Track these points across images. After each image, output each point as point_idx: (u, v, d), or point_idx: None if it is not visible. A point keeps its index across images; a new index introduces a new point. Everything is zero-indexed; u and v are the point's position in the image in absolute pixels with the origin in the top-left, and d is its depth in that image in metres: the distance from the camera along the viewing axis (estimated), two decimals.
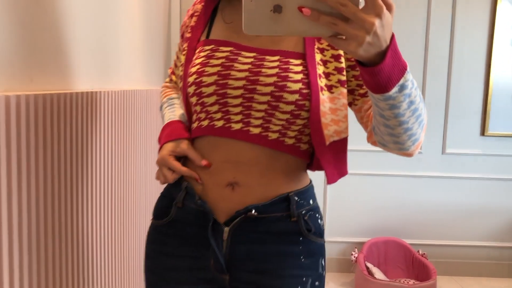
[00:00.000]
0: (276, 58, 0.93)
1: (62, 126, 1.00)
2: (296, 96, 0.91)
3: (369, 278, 2.79)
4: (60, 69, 1.07)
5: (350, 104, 1.01)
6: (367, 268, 2.94)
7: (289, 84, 0.91)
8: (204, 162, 0.96)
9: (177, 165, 0.99)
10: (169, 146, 1.01)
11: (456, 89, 3.11)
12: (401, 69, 0.73)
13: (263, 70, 0.92)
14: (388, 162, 3.16)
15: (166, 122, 1.09)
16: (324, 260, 1.01)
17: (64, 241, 1.03)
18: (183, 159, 1.02)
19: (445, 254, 3.25)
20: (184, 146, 0.99)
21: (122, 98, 1.48)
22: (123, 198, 1.52)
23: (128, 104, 1.56)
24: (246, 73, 0.93)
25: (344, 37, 0.67)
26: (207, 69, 0.95)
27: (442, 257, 3.25)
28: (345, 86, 0.95)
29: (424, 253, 3.01)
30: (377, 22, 0.65)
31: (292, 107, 0.92)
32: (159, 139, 1.07)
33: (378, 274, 2.92)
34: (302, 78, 0.92)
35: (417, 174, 3.18)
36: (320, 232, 1.00)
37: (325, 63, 0.95)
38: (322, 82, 0.93)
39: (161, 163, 1.01)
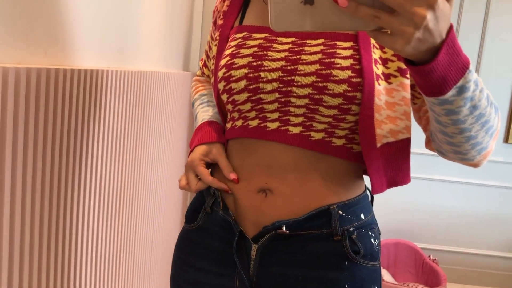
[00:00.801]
0: (320, 41, 0.78)
1: (74, 102, 0.96)
2: (344, 87, 0.76)
3: None
4: (76, 44, 1.03)
5: None
6: None
7: (335, 72, 0.76)
8: (232, 176, 0.84)
9: (205, 173, 0.86)
10: (201, 149, 0.89)
11: None
12: (461, 67, 0.61)
13: (303, 57, 0.78)
14: None
15: (199, 123, 0.96)
16: (379, 287, 0.83)
17: (68, 227, 1.00)
18: (214, 165, 0.91)
19: (457, 261, 3.19)
20: (215, 151, 0.87)
21: (138, 79, 1.44)
22: (134, 182, 1.48)
23: (144, 86, 1.53)
24: (282, 63, 0.79)
25: (389, 31, 0.57)
26: (236, 61, 0.82)
27: (454, 264, 3.19)
28: (407, 76, 0.78)
29: (435, 259, 2.95)
30: (429, 15, 0.54)
31: (339, 100, 0.76)
32: (191, 143, 0.94)
33: (387, 276, 2.87)
34: (352, 64, 0.76)
35: (434, 178, 3.11)
36: (372, 254, 0.82)
37: (382, 46, 0.79)
38: (378, 69, 0.77)
39: (190, 166, 0.88)
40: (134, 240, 1.56)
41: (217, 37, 0.92)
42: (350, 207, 0.81)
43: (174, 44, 2.26)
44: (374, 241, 0.83)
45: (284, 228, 0.78)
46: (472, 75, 0.63)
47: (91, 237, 1.13)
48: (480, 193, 3.12)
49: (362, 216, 0.83)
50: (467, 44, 2.97)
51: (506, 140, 3.06)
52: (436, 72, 0.60)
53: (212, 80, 0.93)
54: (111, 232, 1.29)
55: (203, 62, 1.10)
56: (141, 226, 1.65)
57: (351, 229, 0.80)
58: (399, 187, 3.08)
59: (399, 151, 0.81)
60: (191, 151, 0.91)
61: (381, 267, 2.94)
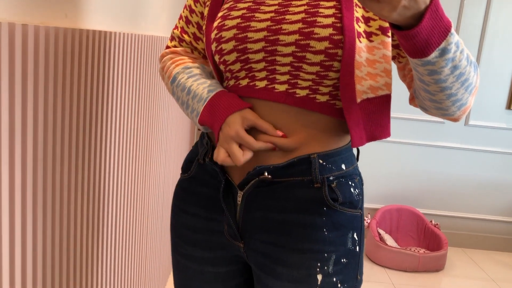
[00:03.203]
0: (304, 2, 0.81)
1: (96, 61, 0.97)
2: (326, 44, 0.77)
3: (380, 245, 2.80)
4: (93, 9, 1.03)
5: (393, 58, 0.89)
6: (379, 234, 2.94)
7: (316, 30, 0.78)
8: (280, 133, 0.82)
9: (254, 140, 0.81)
10: (236, 119, 0.82)
11: (486, 59, 3.02)
12: (443, 30, 0.64)
13: (287, 17, 0.80)
14: (408, 130, 3.11)
15: (209, 96, 0.87)
16: (358, 233, 0.87)
17: (80, 186, 1.02)
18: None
19: (458, 226, 3.24)
20: (251, 116, 0.82)
21: (150, 43, 1.45)
22: (146, 141, 1.50)
23: (156, 50, 1.53)
24: (268, 23, 0.81)
25: None
26: (226, 22, 0.84)
27: (455, 229, 3.25)
28: (388, 34, 0.81)
29: (437, 224, 3.00)
30: None
31: (321, 57, 0.78)
32: (210, 117, 0.85)
33: (390, 241, 2.93)
34: (333, 22, 0.78)
35: (437, 144, 3.14)
36: (352, 202, 0.85)
37: None
38: (360, 27, 0.79)
39: (232, 138, 0.81)
40: (149, 192, 1.59)
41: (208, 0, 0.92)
42: (331, 157, 0.84)
43: (179, 10, 2.24)
44: (354, 190, 0.86)
45: (266, 173, 0.82)
46: (454, 37, 0.66)
47: (103, 193, 1.16)
48: (482, 159, 3.15)
49: (343, 166, 0.86)
50: (473, 9, 2.95)
51: (508, 106, 3.07)
52: (420, 35, 0.64)
53: (201, 46, 0.96)
54: (124, 183, 1.31)
55: (179, 30, 0.99)
56: (154, 178, 1.67)
57: (331, 178, 0.84)
58: (404, 155, 3.10)
59: (379, 106, 0.83)
60: (222, 122, 0.83)
61: (385, 232, 3.00)
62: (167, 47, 1.01)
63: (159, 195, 1.77)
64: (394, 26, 0.66)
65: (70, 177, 0.89)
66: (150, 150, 1.54)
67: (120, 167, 1.20)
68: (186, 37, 0.99)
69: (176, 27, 1.00)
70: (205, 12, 0.93)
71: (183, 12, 0.99)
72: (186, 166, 0.96)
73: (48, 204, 0.81)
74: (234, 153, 0.80)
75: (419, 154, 3.16)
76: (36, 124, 0.74)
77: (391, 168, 3.18)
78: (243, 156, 0.80)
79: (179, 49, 0.99)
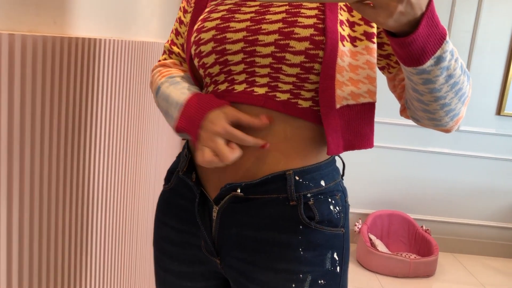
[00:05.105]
0: (286, 2, 0.77)
1: (85, 69, 0.96)
2: (306, 44, 0.74)
3: (371, 250, 2.80)
4: (82, 15, 1.02)
5: (383, 69, 0.88)
6: (370, 240, 2.94)
7: (297, 29, 0.75)
8: (265, 119, 0.76)
9: (244, 134, 0.75)
10: (220, 114, 0.76)
11: (476, 65, 3.03)
12: (439, 38, 0.63)
13: (267, 17, 0.77)
14: (399, 136, 3.12)
15: (184, 99, 0.83)
16: (340, 253, 0.82)
17: (68, 193, 1.01)
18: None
19: (448, 231, 3.25)
20: (233, 111, 0.76)
21: (140, 49, 1.43)
22: (136, 149, 1.49)
23: (146, 56, 1.52)
24: (247, 23, 0.77)
25: (371, 4, 0.59)
26: (206, 24, 0.81)
27: (446, 234, 3.26)
28: (373, 40, 0.78)
29: (427, 229, 3.01)
30: None
31: (301, 58, 0.75)
32: (186, 120, 0.80)
33: (381, 246, 2.93)
34: (315, 23, 0.75)
35: (428, 150, 3.15)
36: (331, 220, 0.81)
37: (351, 10, 0.78)
38: (344, 30, 0.77)
39: (222, 135, 0.74)
40: (138, 200, 1.58)
41: (193, 4, 0.90)
42: (308, 173, 0.80)
43: (171, 16, 2.24)
44: (334, 208, 0.82)
45: (239, 190, 0.79)
46: (449, 45, 0.65)
47: (92, 202, 1.14)
48: (472, 165, 3.17)
49: (323, 183, 0.82)
50: (463, 15, 2.97)
51: (498, 112, 3.09)
52: (416, 43, 0.62)
53: (185, 46, 0.92)
54: (113, 193, 1.30)
55: (169, 42, 0.98)
56: (142, 191, 1.66)
57: (308, 195, 0.80)
58: (395, 160, 3.09)
59: (360, 114, 0.80)
60: (201, 120, 0.77)
61: (376, 238, 2.99)
62: (158, 61, 0.99)
63: (148, 204, 1.75)
64: (389, 34, 0.65)
65: (58, 186, 0.88)
66: (139, 158, 1.53)
67: (109, 176, 1.19)
68: (175, 48, 0.97)
69: (168, 40, 0.99)
70: (187, 19, 0.91)
71: (174, 25, 0.97)
72: (168, 177, 0.94)
73: (45, 211, 0.80)
74: (222, 150, 0.73)
75: (410, 160, 3.16)
76: (23, 135, 0.73)
77: (382, 173, 3.19)
78: (232, 153, 0.73)
79: (168, 61, 0.97)
